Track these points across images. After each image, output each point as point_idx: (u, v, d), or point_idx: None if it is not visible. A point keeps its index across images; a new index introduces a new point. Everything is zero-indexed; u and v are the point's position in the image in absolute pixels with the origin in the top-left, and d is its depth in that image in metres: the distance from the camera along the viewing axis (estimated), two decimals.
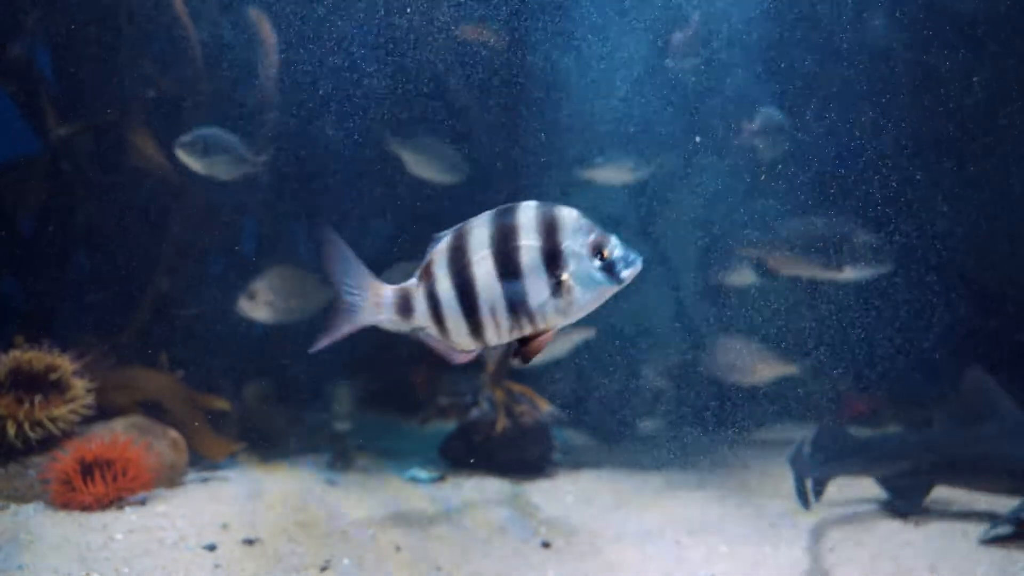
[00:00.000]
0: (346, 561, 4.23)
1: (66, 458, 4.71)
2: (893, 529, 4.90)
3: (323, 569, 4.13)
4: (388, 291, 2.11)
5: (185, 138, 5.30)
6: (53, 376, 4.99)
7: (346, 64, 5.61)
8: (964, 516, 5.11)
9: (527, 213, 2.03)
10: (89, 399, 5.04)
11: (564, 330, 6.18)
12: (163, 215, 6.02)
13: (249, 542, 4.35)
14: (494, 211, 2.05)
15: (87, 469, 4.68)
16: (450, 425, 6.32)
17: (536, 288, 2.03)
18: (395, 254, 6.84)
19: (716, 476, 6.00)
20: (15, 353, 4.99)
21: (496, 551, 4.53)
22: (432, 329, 2.11)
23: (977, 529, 4.89)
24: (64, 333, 5.57)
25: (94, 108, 5.80)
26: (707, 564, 4.40)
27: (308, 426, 6.72)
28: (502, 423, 5.86)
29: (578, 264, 2.02)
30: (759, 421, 6.69)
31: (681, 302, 7.35)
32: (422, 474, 5.80)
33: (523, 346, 2.11)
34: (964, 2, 6.15)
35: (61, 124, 5.67)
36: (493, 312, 2.05)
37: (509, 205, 2.04)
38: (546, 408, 6.00)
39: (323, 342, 2.14)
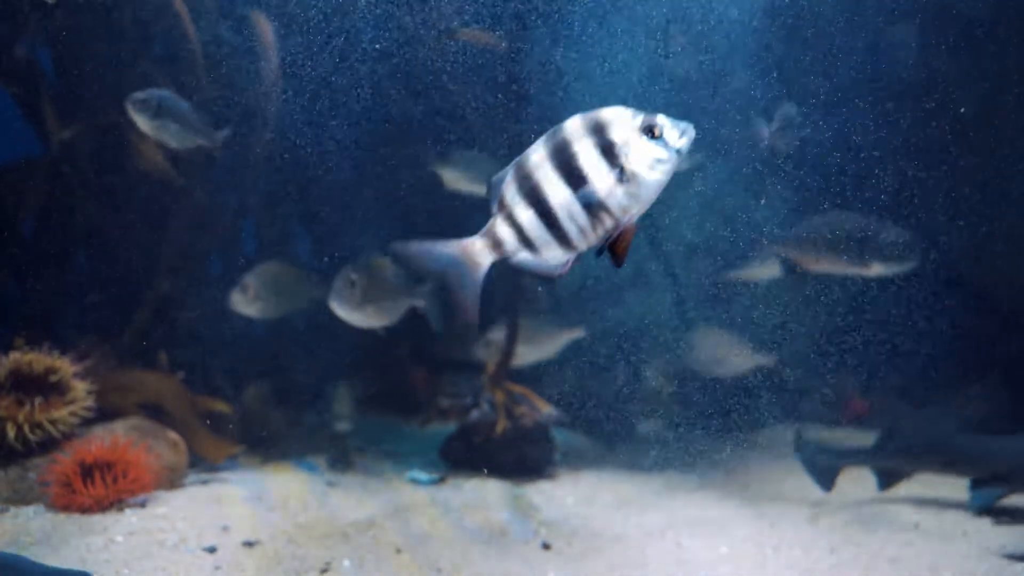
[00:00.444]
0: (346, 563, 4.23)
1: (66, 460, 4.71)
2: (893, 530, 4.91)
3: (323, 571, 4.12)
4: (476, 241, 2.25)
5: (139, 95, 5.01)
6: (53, 378, 4.99)
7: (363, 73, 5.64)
8: (964, 517, 5.12)
9: (573, 123, 2.16)
10: (89, 401, 5.03)
11: (552, 330, 6.22)
12: (164, 217, 6.02)
13: (249, 544, 4.35)
14: (547, 134, 2.18)
15: (87, 471, 4.68)
16: (450, 427, 6.32)
17: (603, 182, 2.14)
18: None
19: (716, 477, 6.00)
20: (15, 355, 4.98)
21: (496, 552, 4.53)
22: (524, 253, 2.23)
23: (978, 531, 4.90)
24: (64, 335, 5.57)
25: (95, 109, 5.80)
26: (708, 565, 4.40)
27: (308, 427, 6.72)
28: (502, 424, 5.86)
29: (634, 148, 2.13)
30: (760, 422, 6.69)
31: (683, 301, 7.34)
32: (422, 475, 5.80)
33: (611, 250, 2.21)
34: (965, 3, 6.15)
35: (63, 126, 5.67)
36: (572, 218, 2.16)
37: (557, 127, 2.17)
38: (546, 409, 6.00)
39: (465, 316, 2.26)
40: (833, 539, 4.75)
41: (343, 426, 6.25)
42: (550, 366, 6.54)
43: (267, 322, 6.44)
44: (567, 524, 4.98)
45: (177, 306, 6.02)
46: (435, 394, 6.93)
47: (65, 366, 5.03)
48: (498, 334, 6.13)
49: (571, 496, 5.60)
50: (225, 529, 4.52)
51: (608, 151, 2.14)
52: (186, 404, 5.70)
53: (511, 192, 2.21)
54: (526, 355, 6.13)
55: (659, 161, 2.13)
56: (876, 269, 5.31)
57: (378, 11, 5.69)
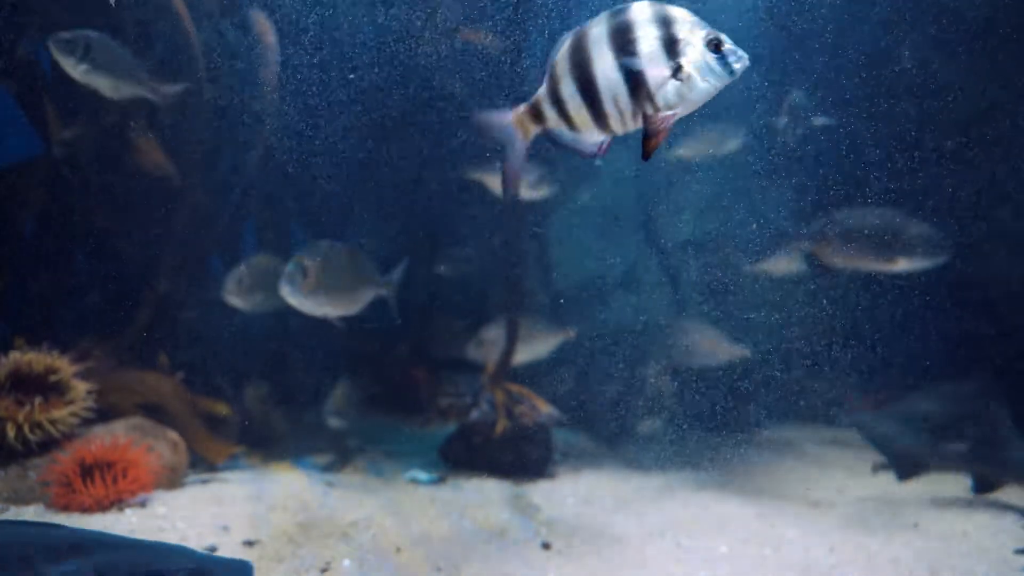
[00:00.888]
0: (347, 562, 4.23)
1: (66, 460, 4.71)
2: (893, 530, 4.91)
3: (324, 570, 4.12)
4: (520, 110, 2.30)
5: (63, 34, 4.54)
6: (53, 378, 4.99)
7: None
8: (964, 518, 5.12)
9: (640, 9, 2.17)
10: (89, 401, 5.04)
11: (542, 331, 6.23)
12: (164, 217, 6.02)
13: (250, 543, 4.35)
14: (607, 12, 2.19)
15: (87, 471, 4.68)
16: (450, 426, 6.32)
17: (657, 70, 2.16)
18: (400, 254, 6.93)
19: (716, 477, 6.01)
20: (15, 355, 4.99)
21: (496, 552, 4.53)
22: (562, 127, 2.27)
23: (977, 531, 4.89)
24: (64, 334, 5.57)
25: (96, 109, 5.80)
26: (707, 565, 4.40)
27: (308, 427, 6.72)
28: (502, 424, 5.86)
29: (695, 52, 2.15)
30: (760, 422, 6.70)
31: (683, 300, 7.35)
32: (422, 475, 5.80)
33: (643, 143, 2.23)
34: (965, 6, 6.15)
35: (64, 126, 5.67)
36: (615, 100, 2.18)
37: (621, 7, 2.19)
38: (546, 409, 6.01)
39: (507, 184, 2.37)
40: (832, 538, 4.75)
41: (336, 422, 6.19)
42: (548, 367, 6.56)
43: (267, 322, 6.45)
44: (567, 524, 4.98)
45: (177, 306, 6.02)
46: (435, 394, 6.93)
47: (65, 366, 5.03)
48: (492, 333, 6.13)
49: (571, 496, 5.60)
50: (225, 529, 4.52)
51: (670, 45, 2.15)
52: (186, 404, 5.71)
53: (561, 66, 2.22)
54: (518, 355, 6.15)
55: (714, 72, 2.16)
56: (902, 264, 5.27)
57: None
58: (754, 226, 6.17)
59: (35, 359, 4.99)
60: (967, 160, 6.17)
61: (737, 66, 2.17)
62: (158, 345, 5.82)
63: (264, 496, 5.14)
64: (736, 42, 2.18)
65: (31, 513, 4.58)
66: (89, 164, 5.92)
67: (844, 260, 5.44)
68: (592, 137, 2.25)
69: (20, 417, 4.80)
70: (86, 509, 4.58)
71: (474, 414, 6.03)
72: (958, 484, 5.75)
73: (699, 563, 4.43)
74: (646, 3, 2.17)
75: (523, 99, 2.34)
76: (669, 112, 2.18)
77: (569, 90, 2.20)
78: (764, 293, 6.27)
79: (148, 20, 5.81)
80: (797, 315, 6.19)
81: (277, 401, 6.54)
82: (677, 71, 2.15)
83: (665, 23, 2.15)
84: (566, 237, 7.31)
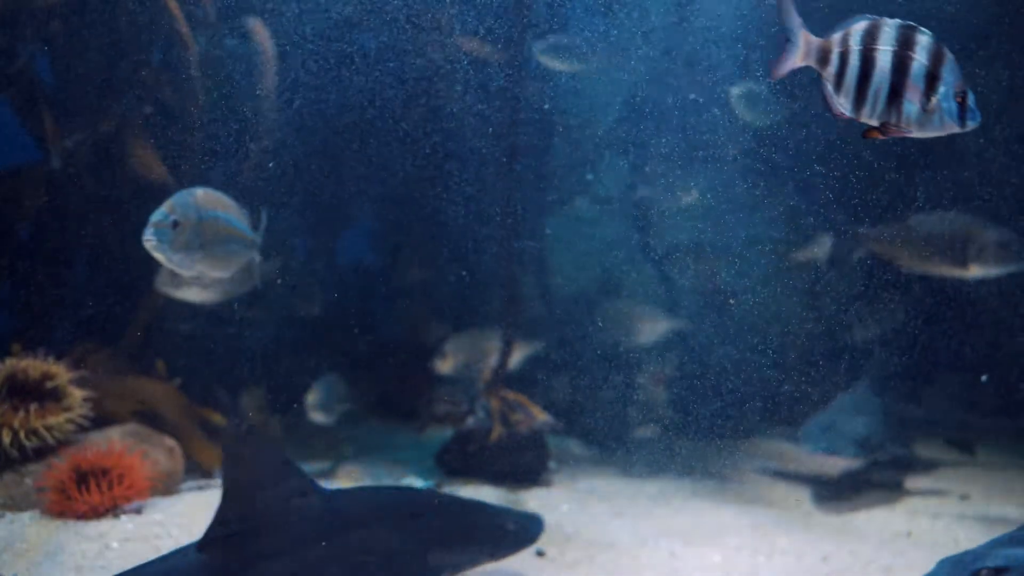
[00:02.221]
0: None
1: (62, 466, 4.71)
2: (886, 538, 4.92)
3: None
4: (816, 42, 2.52)
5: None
6: (49, 384, 4.99)
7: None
8: (956, 526, 5.14)
9: (924, 36, 2.45)
10: (85, 408, 5.04)
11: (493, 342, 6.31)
12: None
13: None
14: (900, 22, 2.46)
15: (83, 477, 4.68)
16: (446, 433, 6.33)
17: (912, 93, 2.44)
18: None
19: (711, 485, 6.02)
20: (11, 361, 4.99)
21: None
22: (831, 83, 2.51)
23: (969, 539, 4.91)
24: (61, 340, 5.58)
25: (93, 117, 5.82)
26: (701, 573, 4.42)
27: (304, 434, 6.72)
28: (497, 432, 5.88)
29: (945, 94, 2.43)
30: (754, 429, 6.70)
31: (681, 308, 7.35)
32: (418, 482, 5.81)
33: (872, 130, 2.53)
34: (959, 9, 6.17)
35: (61, 133, 5.69)
36: (876, 96, 2.46)
37: (907, 23, 2.46)
38: (541, 417, 6.02)
39: (774, 75, 2.58)
40: (826, 547, 4.76)
41: (320, 417, 6.07)
42: (545, 374, 6.58)
43: (264, 329, 6.46)
44: (561, 531, 4.99)
45: (174, 312, 6.03)
46: (431, 400, 6.94)
47: (61, 372, 5.04)
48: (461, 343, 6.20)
49: (566, 503, 5.61)
50: None
51: (932, 78, 2.42)
52: (182, 410, 5.71)
53: (856, 38, 2.46)
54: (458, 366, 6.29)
55: (950, 118, 2.44)
56: (975, 270, 5.25)
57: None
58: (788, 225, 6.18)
59: (31, 365, 4.99)
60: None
61: (970, 124, 2.46)
62: (155, 351, 5.83)
63: None
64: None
65: (27, 519, 4.58)
66: (86, 170, 5.94)
67: (916, 264, 5.39)
68: (843, 108, 2.52)
69: (16, 423, 4.80)
70: (81, 516, 4.59)
71: (470, 421, 6.04)
72: (951, 493, 5.77)
73: (693, 571, 4.45)
74: (930, 35, 2.45)
75: None
76: (901, 128, 2.48)
77: (853, 62, 2.47)
78: (760, 299, 6.27)
79: (146, 27, 5.84)
80: (795, 321, 6.20)
81: (273, 407, 6.54)
82: (926, 101, 2.44)
83: (937, 57, 2.43)
84: (562, 244, 7.33)
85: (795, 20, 2.53)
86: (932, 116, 2.45)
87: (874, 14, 2.51)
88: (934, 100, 2.43)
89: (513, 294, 6.31)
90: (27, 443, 4.80)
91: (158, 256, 3.77)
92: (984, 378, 6.45)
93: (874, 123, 2.50)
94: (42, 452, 4.86)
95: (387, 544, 3.58)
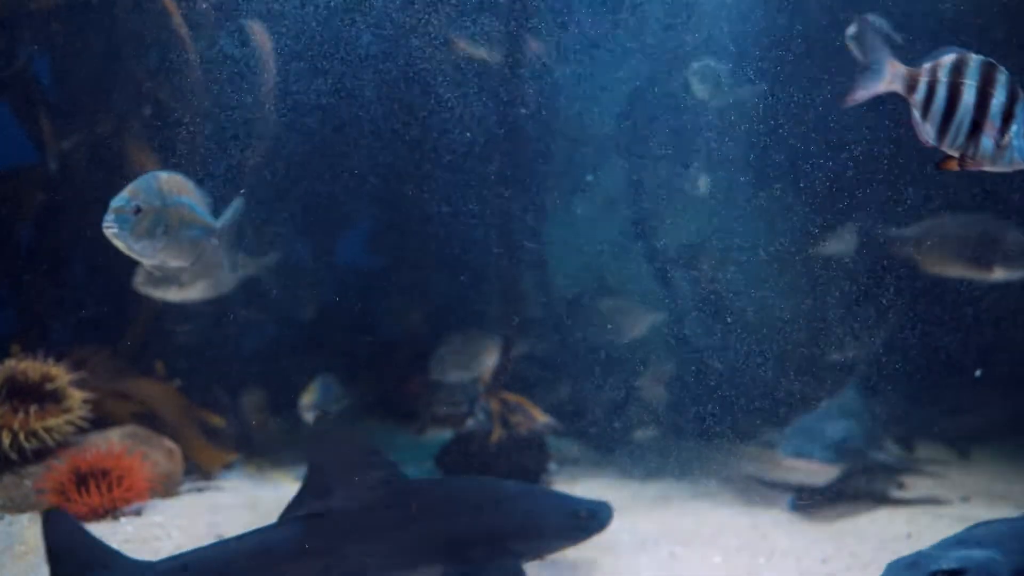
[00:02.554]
0: None
1: (61, 468, 4.71)
2: (886, 541, 4.92)
3: None
4: (903, 70, 2.63)
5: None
6: (49, 386, 4.99)
7: None
8: (957, 527, 5.12)
9: (1003, 74, 2.58)
10: (85, 409, 5.04)
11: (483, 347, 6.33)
12: None
13: None
14: (983, 58, 2.59)
15: (82, 479, 4.69)
16: (446, 434, 6.33)
17: (990, 129, 2.57)
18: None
19: (711, 486, 6.01)
20: (11, 362, 5.00)
21: None
22: (918, 112, 2.62)
23: None
24: (61, 342, 5.58)
25: (92, 118, 5.82)
26: (701, 574, 4.41)
27: (304, 435, 6.71)
28: (497, 433, 5.87)
29: (1017, 132, 2.57)
30: (755, 430, 6.69)
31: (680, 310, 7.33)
32: None
33: (948, 160, 2.65)
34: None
35: (60, 135, 5.69)
36: (959, 128, 2.58)
37: (988, 59, 2.58)
38: (542, 418, 6.01)
39: (852, 99, 2.68)
40: (826, 549, 4.75)
41: (309, 415, 6.04)
42: (544, 376, 6.58)
43: (264, 331, 6.45)
44: None
45: (173, 314, 6.02)
46: (431, 402, 6.94)
47: (61, 374, 5.04)
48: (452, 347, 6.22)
49: None
50: (220, 537, 4.52)
51: (1007, 117, 2.55)
52: (182, 412, 5.71)
53: (944, 71, 2.59)
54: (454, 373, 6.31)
55: (1016, 155, 2.57)
56: (998, 273, 5.25)
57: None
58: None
59: (31, 367, 5.00)
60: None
61: (1016, 164, 2.59)
62: (154, 353, 5.83)
63: (259, 504, 5.14)
64: None
65: (26, 521, 4.58)
66: (85, 172, 5.94)
67: (939, 266, 5.37)
68: (926, 135, 2.64)
69: (16, 425, 4.81)
70: (81, 517, 4.57)
71: (470, 423, 6.04)
72: (952, 494, 5.77)
73: (693, 572, 4.44)
74: (1007, 73, 2.57)
75: None
76: (976, 160, 2.60)
77: (940, 93, 2.58)
78: (760, 299, 6.25)
79: (144, 30, 5.83)
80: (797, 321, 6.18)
81: (273, 408, 6.54)
82: (1000, 137, 2.57)
83: (1013, 96, 2.57)
84: (561, 246, 7.32)
85: (881, 48, 2.64)
86: (1004, 152, 2.58)
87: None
88: (1007, 137, 2.56)
89: (513, 294, 6.30)
90: (26, 445, 4.80)
91: (118, 244, 3.49)
92: (978, 373, 6.41)
93: (954, 154, 2.62)
94: (41, 454, 4.87)
95: (470, 530, 3.85)
